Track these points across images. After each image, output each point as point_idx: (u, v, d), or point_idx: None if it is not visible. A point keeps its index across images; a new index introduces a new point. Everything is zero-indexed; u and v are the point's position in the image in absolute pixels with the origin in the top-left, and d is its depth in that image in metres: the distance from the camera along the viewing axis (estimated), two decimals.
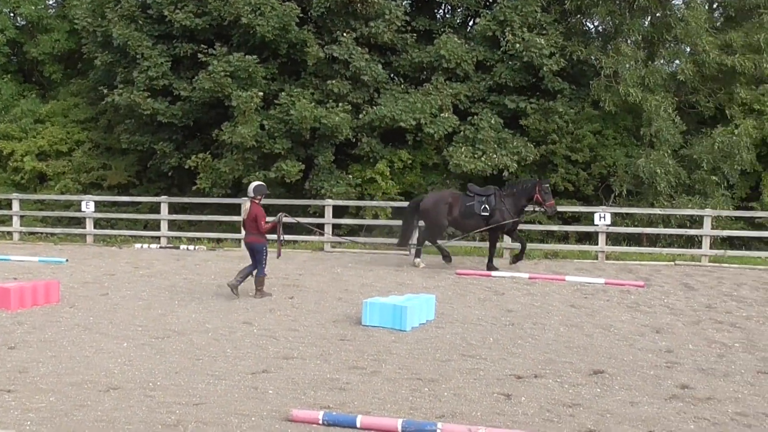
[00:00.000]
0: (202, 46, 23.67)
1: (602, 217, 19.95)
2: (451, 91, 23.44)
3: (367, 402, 8.03)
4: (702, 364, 9.77)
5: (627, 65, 23.17)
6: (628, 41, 24.27)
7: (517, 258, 18.26)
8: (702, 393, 8.54)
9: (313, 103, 22.61)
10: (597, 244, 20.24)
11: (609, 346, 10.70)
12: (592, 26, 26.58)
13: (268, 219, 14.57)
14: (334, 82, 23.28)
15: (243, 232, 15.08)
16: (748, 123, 22.43)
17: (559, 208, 21.98)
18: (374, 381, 8.79)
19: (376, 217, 22.68)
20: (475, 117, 23.49)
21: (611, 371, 9.38)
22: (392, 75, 25.11)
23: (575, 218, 23.54)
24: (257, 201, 14.29)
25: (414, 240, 19.19)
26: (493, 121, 23.18)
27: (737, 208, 22.76)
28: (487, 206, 17.63)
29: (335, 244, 21.69)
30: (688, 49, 24.17)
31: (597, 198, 24.15)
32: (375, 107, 23.05)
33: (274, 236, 14.58)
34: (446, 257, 18.35)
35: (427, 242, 18.76)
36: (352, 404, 7.94)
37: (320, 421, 7.32)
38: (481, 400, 8.16)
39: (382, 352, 10.11)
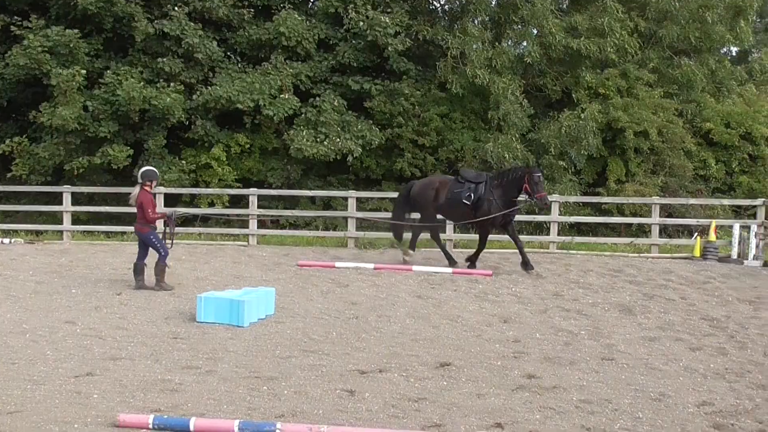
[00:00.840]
0: (16, 17, 22.75)
1: None
2: (291, 70, 23.40)
3: (201, 403, 7.94)
4: (549, 353, 10.17)
5: (474, 46, 23.76)
6: (475, 21, 24.92)
7: (525, 265, 16.41)
8: (548, 382, 8.89)
9: (142, 83, 22.13)
10: (445, 231, 20.64)
11: (456, 338, 10.97)
12: (438, 5, 27.13)
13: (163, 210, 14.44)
14: (164, 60, 22.85)
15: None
16: (594, 107, 23.41)
17: None
18: (209, 381, 8.70)
19: (212, 205, 22.43)
20: (317, 99, 23.55)
21: (458, 363, 9.61)
22: (228, 53, 24.84)
23: None
24: (147, 187, 14.11)
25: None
26: (336, 103, 23.30)
27: (584, 193, 23.68)
28: (472, 195, 16.30)
29: (168, 235, 21.17)
30: (535, 31, 24.95)
31: None
32: (210, 87, 22.76)
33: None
34: (450, 261, 17.24)
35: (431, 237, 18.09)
36: (186, 406, 7.83)
37: (150, 426, 7.18)
38: (323, 398, 8.21)
39: (218, 350, 10.02)
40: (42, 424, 7.28)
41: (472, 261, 16.83)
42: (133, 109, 21.80)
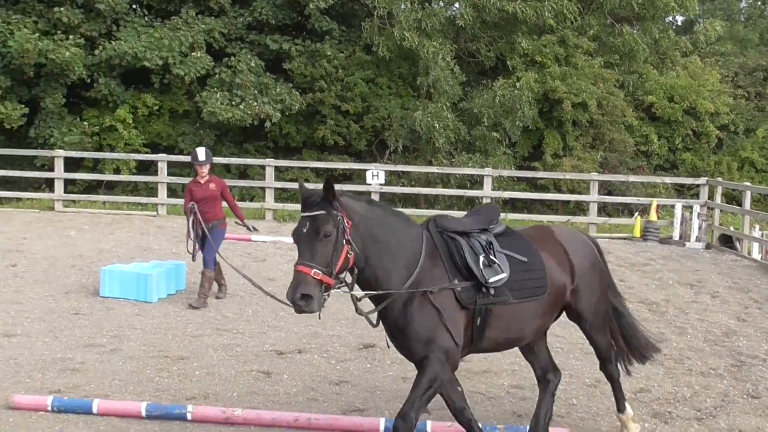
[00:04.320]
0: None
1: (375, 176, 20.24)
2: (203, 26, 23.15)
3: (105, 384, 7.90)
4: None
5: (402, 6, 23.79)
6: None
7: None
8: (478, 366, 9.01)
9: (37, 34, 21.63)
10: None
11: None
12: None
13: None
14: (62, 9, 22.38)
15: None
16: (530, 76, 23.61)
17: (330, 165, 22.28)
18: (114, 360, 8.66)
19: (117, 171, 22.14)
20: (233, 58, 23.33)
21: (382, 344, 9.67)
22: (134, 5, 24.51)
23: (346, 176, 23.93)
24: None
25: None
26: (253, 64, 23.11)
27: (519, 168, 23.93)
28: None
29: (68, 203, 20.80)
30: None
31: (370, 154, 24.68)
32: (114, 42, 22.38)
33: None
34: None
35: None
36: (88, 387, 7.79)
37: (49, 408, 7.08)
38: (237, 379, 8.23)
39: (124, 327, 9.96)
40: None
41: None
42: (27, 62, 21.32)
